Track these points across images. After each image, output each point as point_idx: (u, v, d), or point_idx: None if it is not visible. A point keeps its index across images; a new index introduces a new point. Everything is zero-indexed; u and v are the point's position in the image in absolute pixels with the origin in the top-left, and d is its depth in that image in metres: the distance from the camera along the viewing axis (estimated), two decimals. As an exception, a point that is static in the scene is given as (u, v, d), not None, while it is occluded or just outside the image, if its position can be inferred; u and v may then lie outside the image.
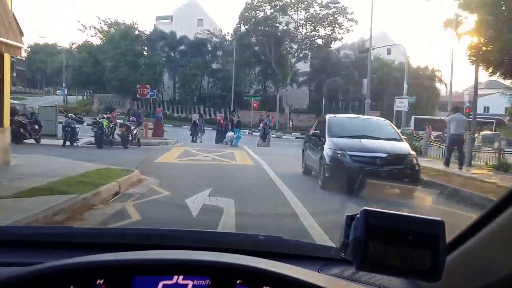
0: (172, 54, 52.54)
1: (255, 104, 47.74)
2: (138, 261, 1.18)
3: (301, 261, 1.47)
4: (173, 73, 51.27)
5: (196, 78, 49.93)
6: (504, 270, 0.96)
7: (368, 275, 1.30)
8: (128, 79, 46.95)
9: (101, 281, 1.11)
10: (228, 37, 52.68)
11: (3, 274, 1.10)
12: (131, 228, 2.42)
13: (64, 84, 53.16)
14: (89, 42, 52.10)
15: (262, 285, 1.13)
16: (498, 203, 1.02)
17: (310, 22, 49.85)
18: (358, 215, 0.97)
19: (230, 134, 23.67)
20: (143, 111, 27.96)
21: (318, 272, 1.42)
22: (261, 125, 27.55)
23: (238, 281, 1.13)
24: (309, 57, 53.29)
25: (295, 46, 50.93)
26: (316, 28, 48.99)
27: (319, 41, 51.01)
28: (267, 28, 48.68)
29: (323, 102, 51.27)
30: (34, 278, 1.08)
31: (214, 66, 53.15)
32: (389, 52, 65.70)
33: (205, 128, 27.61)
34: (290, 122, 51.05)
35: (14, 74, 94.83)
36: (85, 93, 59.64)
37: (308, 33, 50.23)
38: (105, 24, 51.13)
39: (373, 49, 58.36)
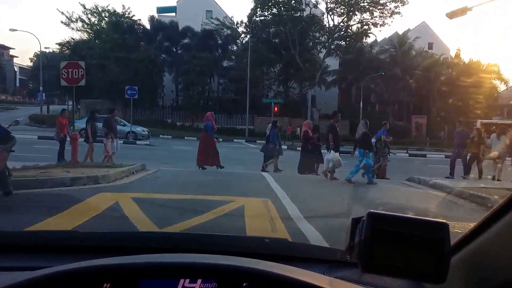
0: (174, 49, 41.52)
1: (276, 109, 36.55)
2: (144, 265, 1.14)
3: (307, 263, 1.43)
4: (176, 71, 40.26)
5: (203, 78, 38.78)
6: (509, 272, 0.95)
7: (374, 277, 1.25)
8: (118, 80, 36.17)
9: (108, 285, 1.08)
10: (241, 28, 41.46)
11: (9, 279, 1.07)
12: (137, 232, 2.05)
13: (41, 88, 42.56)
14: (72, 39, 41.46)
15: (269, 287, 1.10)
16: (502, 204, 1.00)
17: (343, 7, 38.27)
18: (363, 218, 0.95)
19: (332, 156, 11.79)
20: (116, 116, 16.58)
21: (324, 274, 1.36)
22: (373, 140, 14.03)
23: (244, 284, 1.10)
24: (340, 51, 41.64)
25: (324, 37, 39.39)
26: (352, 10, 37.25)
27: (355, 29, 39.27)
28: (290, 13, 37.30)
29: (360, 105, 39.70)
30: (39, 283, 1.05)
31: (225, 63, 41.98)
32: (430, 46, 54.01)
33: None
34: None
35: (17, 84, 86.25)
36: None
37: (341, 18, 38.57)
38: (92, 14, 40.30)
39: (414, 40, 46.98)
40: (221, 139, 15.41)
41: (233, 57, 42.27)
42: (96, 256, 1.25)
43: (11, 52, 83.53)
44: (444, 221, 0.93)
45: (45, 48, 48.23)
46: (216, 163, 13.88)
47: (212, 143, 14.06)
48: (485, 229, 1.04)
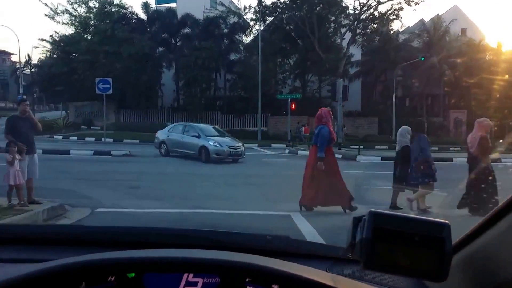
0: (173, 41, 35.42)
1: (293, 106, 30.24)
2: (149, 259, 1.15)
3: (309, 260, 1.41)
4: (176, 67, 34.18)
5: (207, 73, 32.61)
6: (510, 272, 0.96)
7: (375, 274, 1.25)
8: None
9: (113, 278, 1.09)
10: (250, 15, 35.17)
11: (16, 271, 1.08)
12: (142, 227, 1.81)
13: (21, 91, 36.81)
14: (56, 32, 35.57)
15: (271, 283, 1.10)
16: (504, 205, 1.00)
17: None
18: (365, 217, 0.94)
19: None
20: (28, 111, 9.35)
21: (326, 271, 1.35)
22: None
23: (247, 279, 1.10)
24: (366, 36, 35.19)
25: (349, 19, 32.96)
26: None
27: (384, 10, 32.71)
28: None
29: (393, 99, 33.23)
30: (46, 275, 1.06)
31: (232, 56, 35.75)
32: (463, 33, 47.05)
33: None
34: (343, 129, 32.86)
35: (21, 91, 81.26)
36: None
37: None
38: (79, 4, 34.32)
39: (450, 23, 40.26)
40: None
41: (242, 48, 36.04)
42: (101, 249, 1.25)
43: (13, 58, 78.60)
44: (446, 221, 0.92)
45: (34, 47, 42.77)
46: (343, 203, 7.23)
47: (333, 164, 7.46)
48: (486, 229, 1.03)
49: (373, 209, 0.93)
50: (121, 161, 15.47)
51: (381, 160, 17.98)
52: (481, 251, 1.06)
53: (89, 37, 33.60)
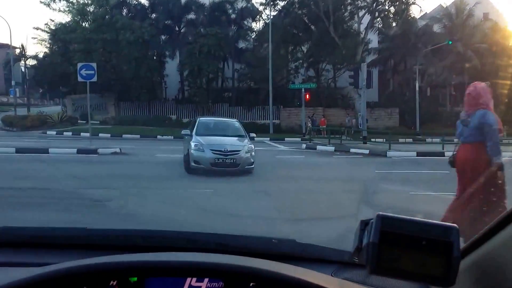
0: (177, 28, 32.55)
1: (307, 96, 27.45)
2: (151, 263, 1.13)
3: (314, 264, 1.38)
4: (179, 55, 31.41)
5: (213, 62, 29.73)
6: None
7: (382, 279, 1.21)
8: (106, 69, 27.76)
9: (114, 283, 1.07)
10: (260, -2, 32.16)
11: (17, 275, 1.06)
12: (145, 230, 1.71)
13: (13, 83, 34.40)
14: (52, 20, 33.03)
15: None
16: None
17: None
18: (372, 220, 0.92)
19: None
20: None
21: (332, 276, 1.32)
22: None
23: (251, 284, 1.09)
24: (385, 20, 32.12)
25: (364, 3, 29.95)
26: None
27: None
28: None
29: (416, 87, 30.26)
30: (48, 279, 1.05)
31: (240, 44, 32.84)
32: (485, 17, 43.58)
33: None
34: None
35: (12, 83, 78.83)
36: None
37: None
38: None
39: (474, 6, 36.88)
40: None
41: (251, 35, 33.15)
42: (103, 253, 1.23)
43: (16, 52, 76.48)
44: (454, 224, 0.90)
45: (32, 38, 40.79)
46: None
47: (495, 176, 4.16)
48: (495, 233, 1.01)
49: (381, 213, 0.89)
50: (107, 161, 12.71)
51: (417, 155, 15.04)
52: (489, 256, 1.01)
53: (86, 25, 30.92)
